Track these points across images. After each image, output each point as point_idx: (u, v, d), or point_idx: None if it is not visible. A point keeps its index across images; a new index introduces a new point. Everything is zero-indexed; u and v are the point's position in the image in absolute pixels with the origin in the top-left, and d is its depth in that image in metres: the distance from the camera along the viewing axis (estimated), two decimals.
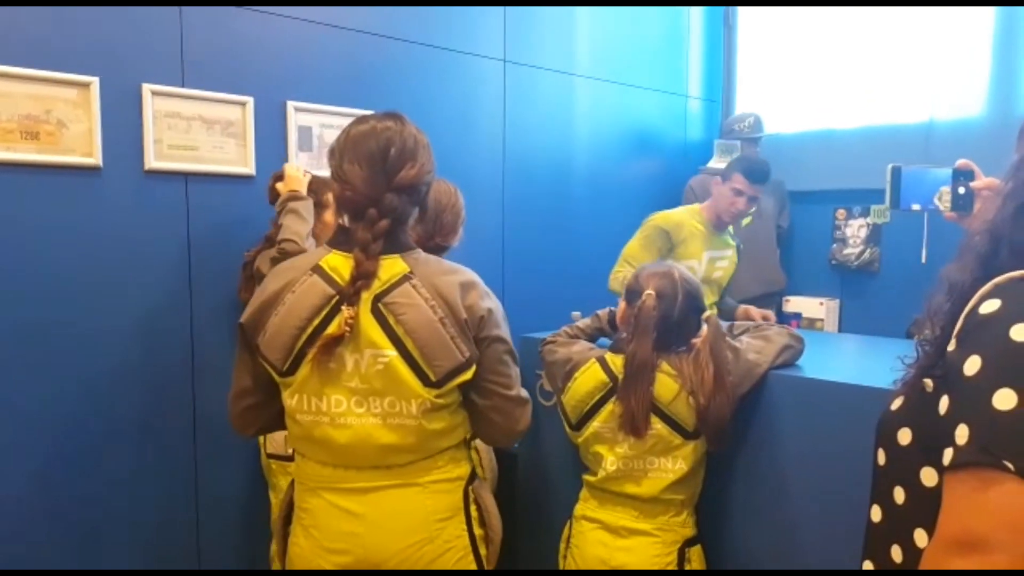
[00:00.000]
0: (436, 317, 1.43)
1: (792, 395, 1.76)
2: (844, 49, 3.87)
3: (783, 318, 3.94)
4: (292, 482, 1.64)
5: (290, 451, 2.31)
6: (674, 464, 1.76)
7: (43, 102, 2.18)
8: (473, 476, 1.63)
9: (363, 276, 1.44)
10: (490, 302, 1.53)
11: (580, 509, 1.89)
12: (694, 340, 1.78)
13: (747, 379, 1.77)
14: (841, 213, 3.89)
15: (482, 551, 1.61)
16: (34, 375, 2.20)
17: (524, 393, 1.61)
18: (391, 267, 1.47)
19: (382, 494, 1.51)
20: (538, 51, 3.43)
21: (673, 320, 1.75)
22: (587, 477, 1.87)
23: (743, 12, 4.28)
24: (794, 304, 3.94)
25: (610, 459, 1.78)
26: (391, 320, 1.43)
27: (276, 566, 2.37)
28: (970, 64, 3.45)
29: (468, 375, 1.49)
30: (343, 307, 1.42)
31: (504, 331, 1.56)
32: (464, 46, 3.15)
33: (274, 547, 2.37)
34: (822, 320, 3.87)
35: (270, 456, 2.38)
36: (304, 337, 1.45)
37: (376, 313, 1.44)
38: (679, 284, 1.78)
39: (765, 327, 1.94)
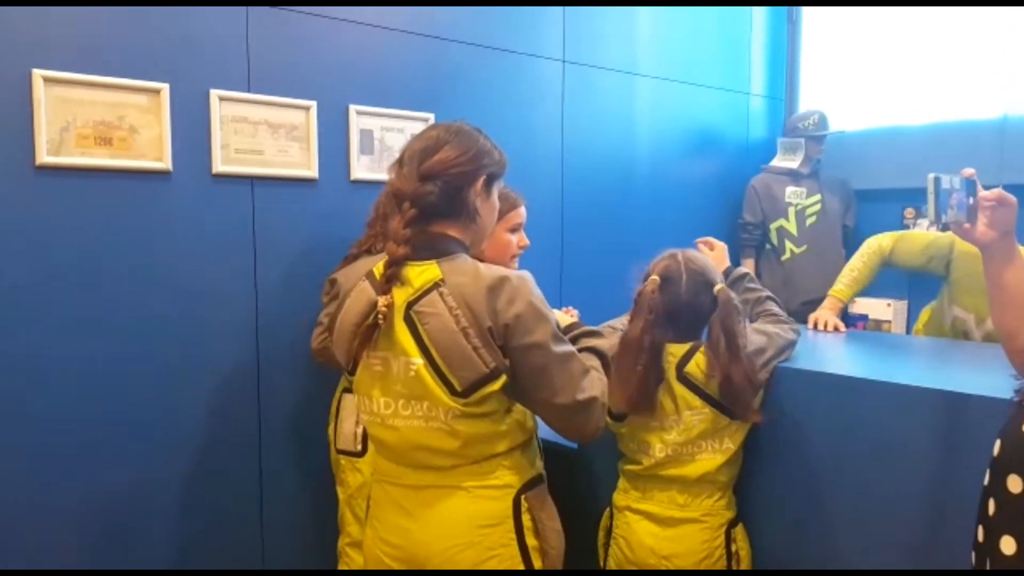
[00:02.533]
0: (458, 327, 1.41)
1: (815, 389, 1.80)
2: (912, 43, 3.76)
3: (849, 319, 3.85)
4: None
5: (359, 447, 2.36)
6: (722, 444, 1.79)
7: (116, 108, 2.24)
8: (531, 484, 1.58)
9: (393, 263, 1.47)
10: (518, 308, 1.43)
11: (622, 499, 1.88)
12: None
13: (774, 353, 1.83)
14: (909, 212, 3.77)
15: (536, 563, 1.55)
16: (102, 372, 2.26)
17: (582, 395, 1.47)
18: (424, 273, 1.47)
19: (430, 493, 1.54)
20: (598, 51, 3.40)
21: (682, 301, 1.78)
22: (628, 467, 1.87)
23: (808, 7, 4.19)
24: (860, 305, 3.83)
25: (658, 446, 1.79)
26: (420, 328, 1.44)
27: (343, 560, 2.41)
28: None
29: (496, 386, 1.44)
30: (379, 297, 1.45)
31: (540, 335, 1.44)
32: (524, 47, 3.14)
33: (341, 542, 2.42)
34: (889, 322, 3.75)
35: (339, 452, 2.41)
36: (357, 340, 1.51)
37: (408, 320, 1.45)
38: (683, 264, 1.80)
39: (778, 312, 1.97)
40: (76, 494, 2.23)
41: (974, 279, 2.45)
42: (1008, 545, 0.94)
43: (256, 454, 2.56)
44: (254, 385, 2.55)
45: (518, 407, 1.56)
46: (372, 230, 2.36)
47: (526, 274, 1.51)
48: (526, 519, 1.55)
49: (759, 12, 4.10)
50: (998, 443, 0.97)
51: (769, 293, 2.04)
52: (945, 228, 1.34)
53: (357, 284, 1.54)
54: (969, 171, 1.34)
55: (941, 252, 2.64)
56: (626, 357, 1.76)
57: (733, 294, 1.80)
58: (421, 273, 1.47)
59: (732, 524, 1.83)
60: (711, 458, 1.78)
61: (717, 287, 1.78)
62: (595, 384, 1.50)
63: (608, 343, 1.68)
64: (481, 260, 1.55)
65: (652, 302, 1.76)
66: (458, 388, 1.44)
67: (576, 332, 1.64)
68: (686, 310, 1.78)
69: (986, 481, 0.98)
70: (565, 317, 1.73)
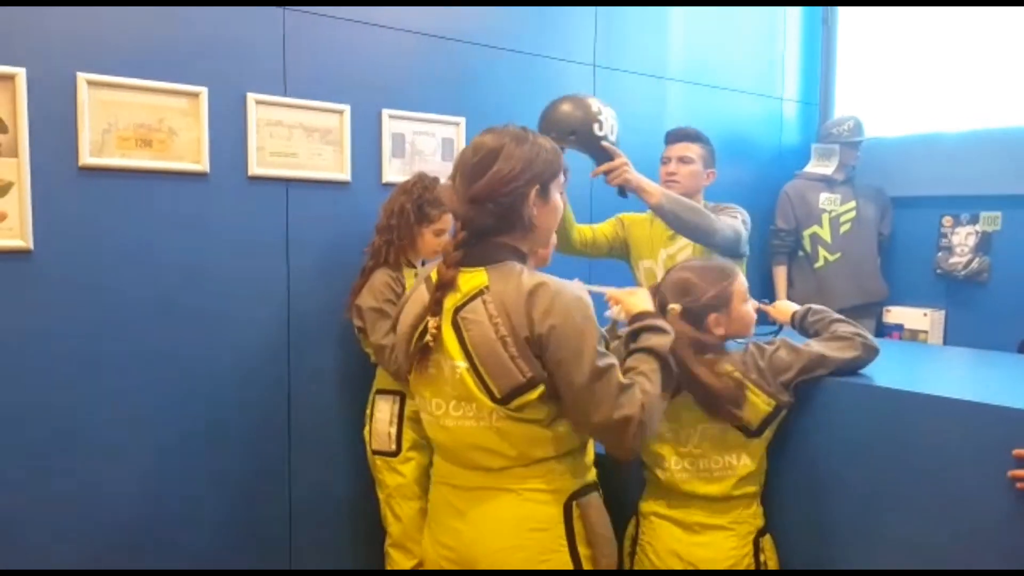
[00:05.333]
0: (496, 336, 1.42)
1: (846, 399, 1.76)
2: (952, 47, 3.70)
3: (884, 329, 3.80)
4: None
5: (393, 447, 2.40)
6: (739, 460, 1.76)
7: (156, 111, 2.30)
8: (584, 491, 1.56)
9: (440, 286, 1.50)
10: (554, 319, 1.41)
11: (648, 506, 1.87)
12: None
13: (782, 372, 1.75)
14: (948, 220, 3.72)
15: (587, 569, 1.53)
16: (135, 366, 2.32)
17: (618, 414, 1.41)
18: (472, 280, 1.49)
19: (481, 494, 1.54)
20: (628, 55, 3.40)
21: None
22: (651, 475, 1.86)
23: (843, 9, 4.14)
24: (896, 315, 3.78)
25: (673, 459, 1.78)
26: (464, 334, 1.46)
27: (388, 561, 2.44)
28: None
29: (534, 395, 1.43)
30: (428, 316, 1.49)
31: (573, 350, 1.41)
32: (554, 52, 3.16)
33: (386, 543, 2.46)
34: (926, 332, 3.70)
35: (375, 452, 2.45)
36: (413, 343, 1.55)
37: (454, 325, 1.47)
38: (667, 277, 1.85)
39: (841, 332, 1.84)
40: (98, 488, 2.28)
41: (651, 237, 2.70)
42: None
43: (285, 453, 2.60)
44: (284, 381, 2.59)
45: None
46: (383, 236, 2.44)
47: (571, 285, 1.49)
48: (578, 526, 1.53)
49: (793, 15, 4.07)
50: None
51: (837, 316, 1.90)
52: None
53: (418, 287, 1.59)
54: None
55: (615, 222, 2.79)
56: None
57: (677, 322, 1.72)
58: (470, 279, 1.49)
59: (761, 533, 1.81)
60: (730, 475, 1.76)
61: (670, 306, 1.76)
62: (634, 401, 1.42)
63: (670, 339, 1.57)
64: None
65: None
66: (497, 395, 1.44)
67: (640, 325, 1.57)
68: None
69: None
70: (640, 301, 1.67)
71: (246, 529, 2.53)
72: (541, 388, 1.43)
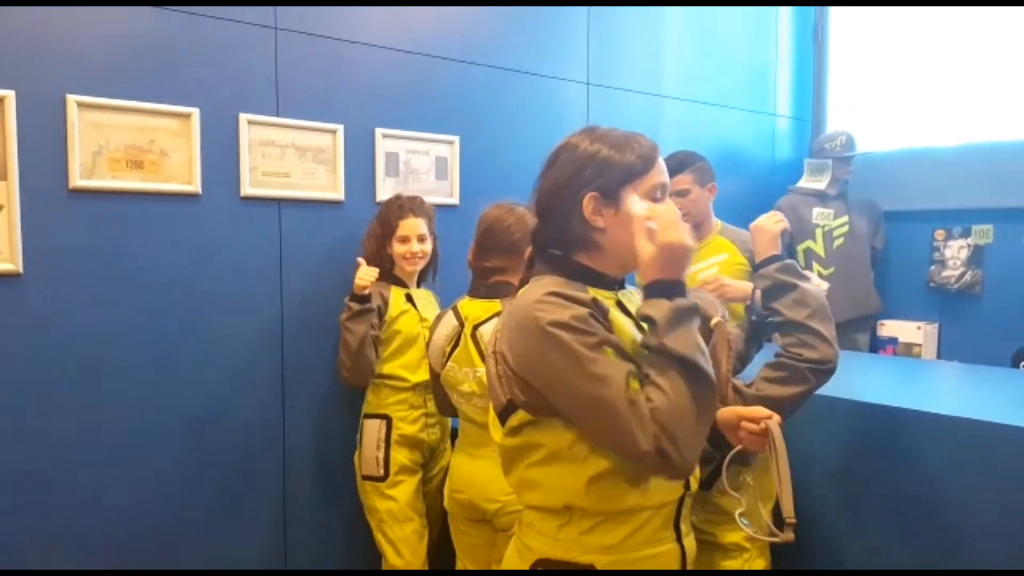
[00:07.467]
0: (491, 352, 1.33)
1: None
2: (944, 62, 3.72)
3: (878, 343, 3.79)
4: None
5: (381, 472, 2.36)
6: None
7: (147, 133, 2.28)
8: (565, 565, 1.29)
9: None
10: (517, 335, 1.24)
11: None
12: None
13: None
14: (940, 233, 3.72)
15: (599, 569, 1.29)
16: (130, 386, 2.30)
17: (645, 445, 1.11)
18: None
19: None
20: (622, 73, 3.41)
21: None
22: None
23: (835, 24, 4.16)
24: (890, 328, 3.78)
25: None
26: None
27: None
28: None
29: (515, 420, 1.27)
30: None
31: (543, 365, 1.19)
32: (548, 70, 3.15)
33: (383, 567, 2.42)
34: (920, 345, 3.70)
35: (364, 478, 2.42)
36: None
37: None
38: None
39: (785, 360, 1.68)
40: (94, 504, 2.26)
41: None
42: None
43: (280, 471, 2.58)
44: (279, 400, 2.57)
45: (570, 469, 1.25)
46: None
47: (544, 288, 1.24)
48: None
49: (784, 30, 4.08)
50: None
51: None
52: None
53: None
54: None
55: None
56: None
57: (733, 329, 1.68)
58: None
59: None
60: None
61: (714, 320, 1.66)
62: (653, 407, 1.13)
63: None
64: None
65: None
66: (496, 413, 1.34)
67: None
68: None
69: None
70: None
71: (239, 546, 2.50)
72: (521, 414, 1.26)
